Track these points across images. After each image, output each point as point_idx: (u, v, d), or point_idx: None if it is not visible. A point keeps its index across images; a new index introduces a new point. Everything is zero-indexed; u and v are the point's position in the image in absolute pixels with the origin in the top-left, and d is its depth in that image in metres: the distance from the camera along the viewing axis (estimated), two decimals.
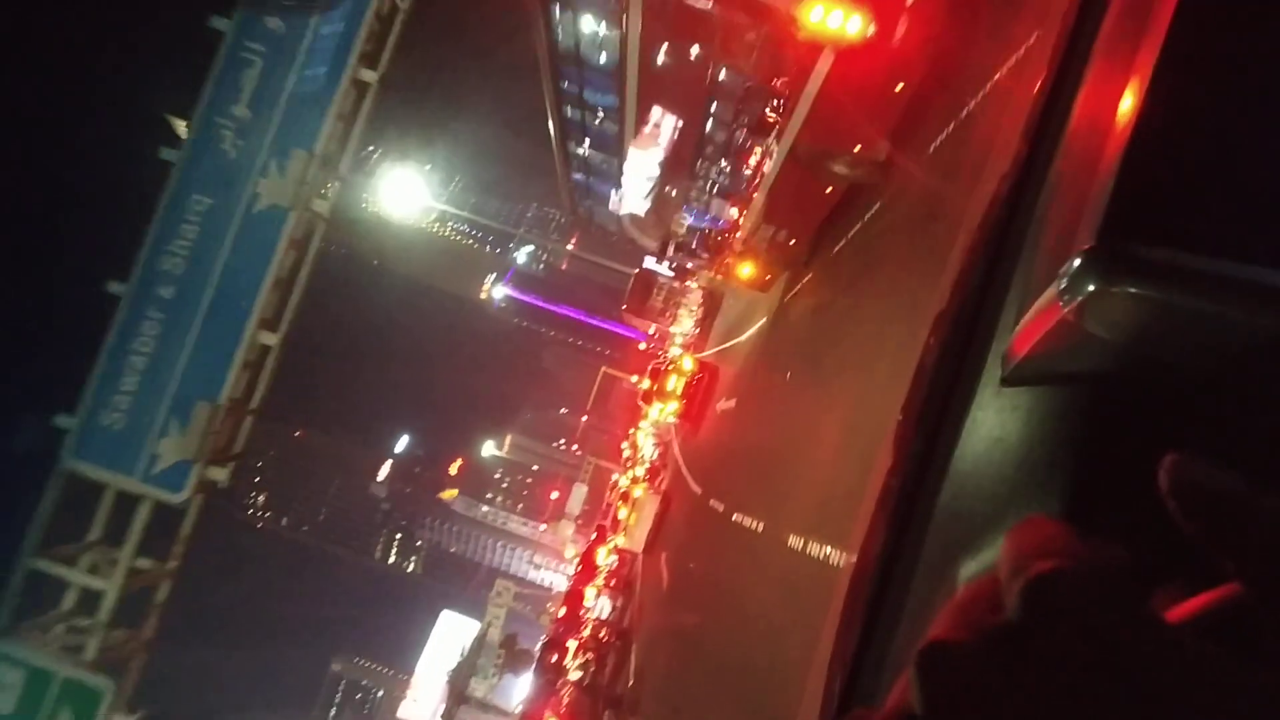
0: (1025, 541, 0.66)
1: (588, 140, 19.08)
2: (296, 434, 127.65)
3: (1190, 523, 0.66)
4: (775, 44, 11.05)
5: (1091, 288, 0.99)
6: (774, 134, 12.58)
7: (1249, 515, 0.65)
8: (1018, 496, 1.28)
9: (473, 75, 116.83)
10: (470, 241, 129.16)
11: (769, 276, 18.66)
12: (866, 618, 1.62)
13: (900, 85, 10.17)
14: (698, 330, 41.29)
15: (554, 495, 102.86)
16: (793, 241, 15.78)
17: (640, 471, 42.56)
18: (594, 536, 48.21)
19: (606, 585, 38.55)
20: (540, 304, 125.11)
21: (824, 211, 14.19)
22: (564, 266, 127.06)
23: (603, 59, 14.07)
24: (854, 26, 9.65)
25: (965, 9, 9.77)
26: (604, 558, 41.54)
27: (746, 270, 18.55)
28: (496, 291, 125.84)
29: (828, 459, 10.68)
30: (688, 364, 29.69)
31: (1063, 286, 1.03)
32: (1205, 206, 1.02)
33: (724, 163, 16.98)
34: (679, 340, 46.36)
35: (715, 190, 18.64)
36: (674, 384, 28.57)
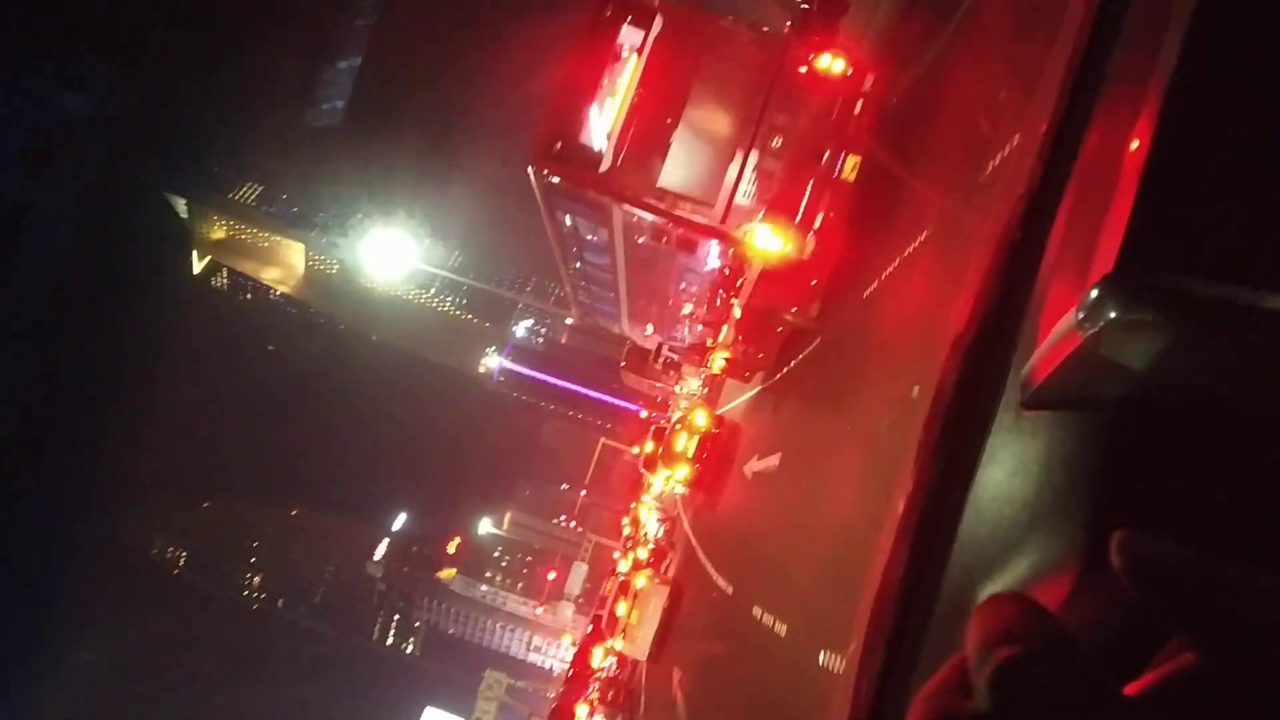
0: (989, 625, 0.66)
1: (586, 266, 22.24)
2: (293, 513, 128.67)
3: (1144, 598, 0.67)
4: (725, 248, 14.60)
5: (1111, 315, 1.00)
6: (732, 294, 15.67)
7: (1202, 590, 0.66)
8: (1039, 522, 1.29)
9: (472, 142, 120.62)
10: (468, 315, 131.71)
11: (746, 374, 21.45)
12: (888, 648, 1.66)
13: (814, 280, 13.43)
14: (706, 389, 36.90)
15: (551, 576, 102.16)
16: (760, 355, 18.93)
17: (643, 554, 37.25)
18: (589, 629, 44.38)
19: (602, 700, 33.38)
20: (539, 377, 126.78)
21: (779, 340, 17.32)
22: (563, 340, 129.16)
23: (596, 239, 17.06)
24: (776, 245, 12.93)
25: (857, 227, 13.05)
26: (600, 659, 37.07)
27: (722, 363, 21.20)
28: (495, 365, 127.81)
29: (827, 552, 10.28)
30: (701, 419, 24.73)
31: (1082, 314, 1.05)
32: (1222, 233, 1.04)
33: (696, 309, 20.59)
34: (686, 399, 41.03)
35: (692, 318, 22.19)
36: (683, 444, 24.06)
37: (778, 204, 12.93)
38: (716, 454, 23.55)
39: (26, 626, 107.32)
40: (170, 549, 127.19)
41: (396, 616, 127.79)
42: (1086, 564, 1.18)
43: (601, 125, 13.27)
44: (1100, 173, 1.34)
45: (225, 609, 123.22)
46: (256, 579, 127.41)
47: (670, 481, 27.07)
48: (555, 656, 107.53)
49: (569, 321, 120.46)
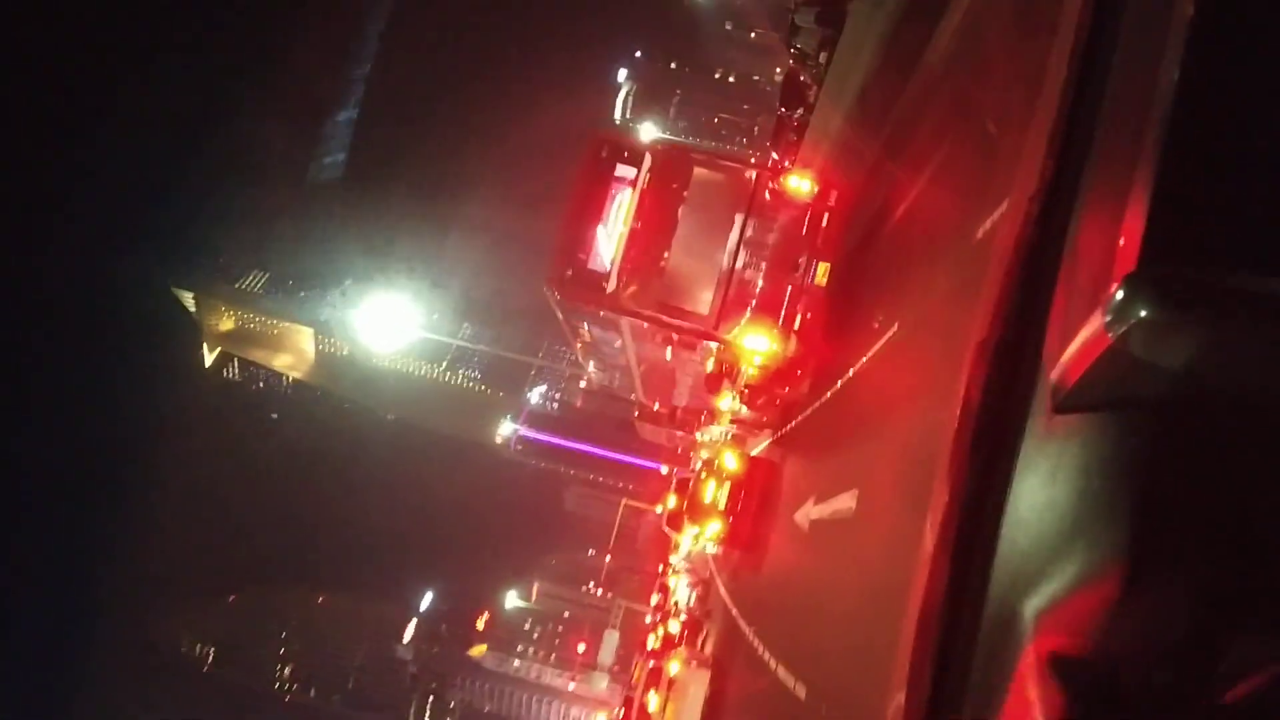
0: None
1: (603, 358, 25.71)
2: (319, 599, 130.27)
3: None
4: None
5: (1141, 314, 1.00)
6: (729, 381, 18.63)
7: None
8: (1081, 529, 1.28)
9: (476, 193, 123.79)
10: (481, 386, 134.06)
11: (755, 431, 24.38)
12: (936, 670, 1.65)
13: (799, 371, 15.71)
14: (735, 428, 31.45)
15: (580, 649, 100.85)
16: (764, 419, 22.35)
17: (675, 627, 32.86)
18: (620, 715, 39.09)
19: None
20: (556, 442, 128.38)
21: (781, 406, 20.16)
22: (578, 404, 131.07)
23: (609, 338, 20.28)
24: (762, 346, 15.90)
25: (833, 325, 15.62)
26: None
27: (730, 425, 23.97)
28: (511, 434, 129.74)
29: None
30: (731, 462, 22.05)
31: (1110, 315, 1.05)
32: (1245, 222, 1.03)
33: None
34: (709, 446, 35.37)
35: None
36: (712, 494, 21.63)
37: (761, 309, 15.44)
38: (754, 502, 20.78)
39: None
40: (198, 645, 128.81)
41: (431, 698, 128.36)
42: (1134, 570, 1.17)
43: (605, 250, 15.80)
44: (1113, 167, 1.33)
45: (258, 702, 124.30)
46: (287, 669, 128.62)
47: (700, 540, 24.10)
48: None
49: (583, 384, 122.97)
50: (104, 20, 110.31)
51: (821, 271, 15.13)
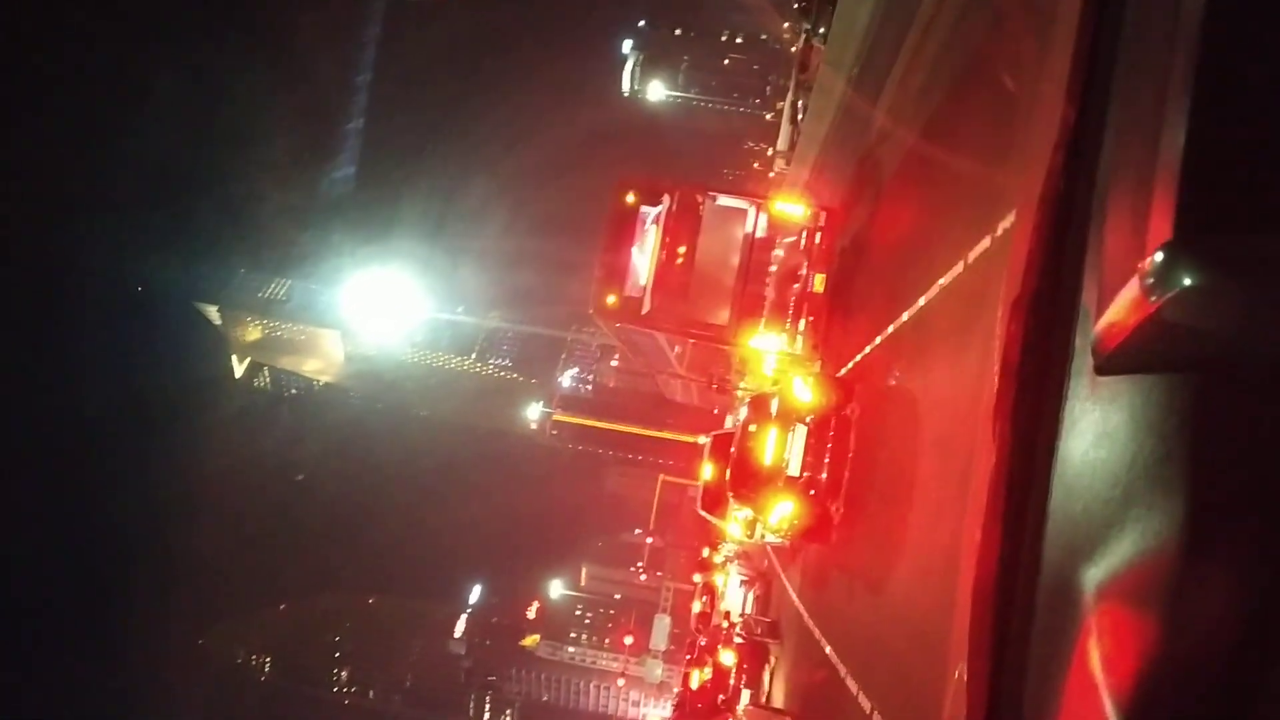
0: None
1: (645, 355, 29.26)
2: (370, 601, 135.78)
3: None
4: None
5: (1185, 283, 0.98)
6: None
7: None
8: (1135, 495, 1.26)
9: (491, 185, 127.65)
10: (513, 375, 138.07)
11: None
12: (994, 645, 1.66)
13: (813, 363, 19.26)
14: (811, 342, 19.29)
15: (628, 640, 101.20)
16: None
17: (729, 659, 23.25)
18: None
19: None
20: (592, 424, 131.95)
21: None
22: (611, 384, 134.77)
23: (650, 343, 24.27)
24: (774, 346, 18.96)
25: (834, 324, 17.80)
26: None
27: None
28: (546, 419, 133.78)
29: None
30: (804, 391, 14.18)
31: (1150, 280, 1.03)
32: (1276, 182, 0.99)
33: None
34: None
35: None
36: (773, 450, 14.32)
37: (772, 314, 19.37)
38: (849, 456, 13.37)
39: None
40: (254, 657, 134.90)
41: (489, 692, 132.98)
42: (1192, 538, 1.18)
43: (639, 277, 19.80)
44: (1138, 116, 1.33)
45: (319, 708, 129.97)
46: (344, 673, 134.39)
47: (760, 529, 15.74)
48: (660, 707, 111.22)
49: (614, 364, 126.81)
50: (114, 43, 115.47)
51: (819, 281, 18.97)
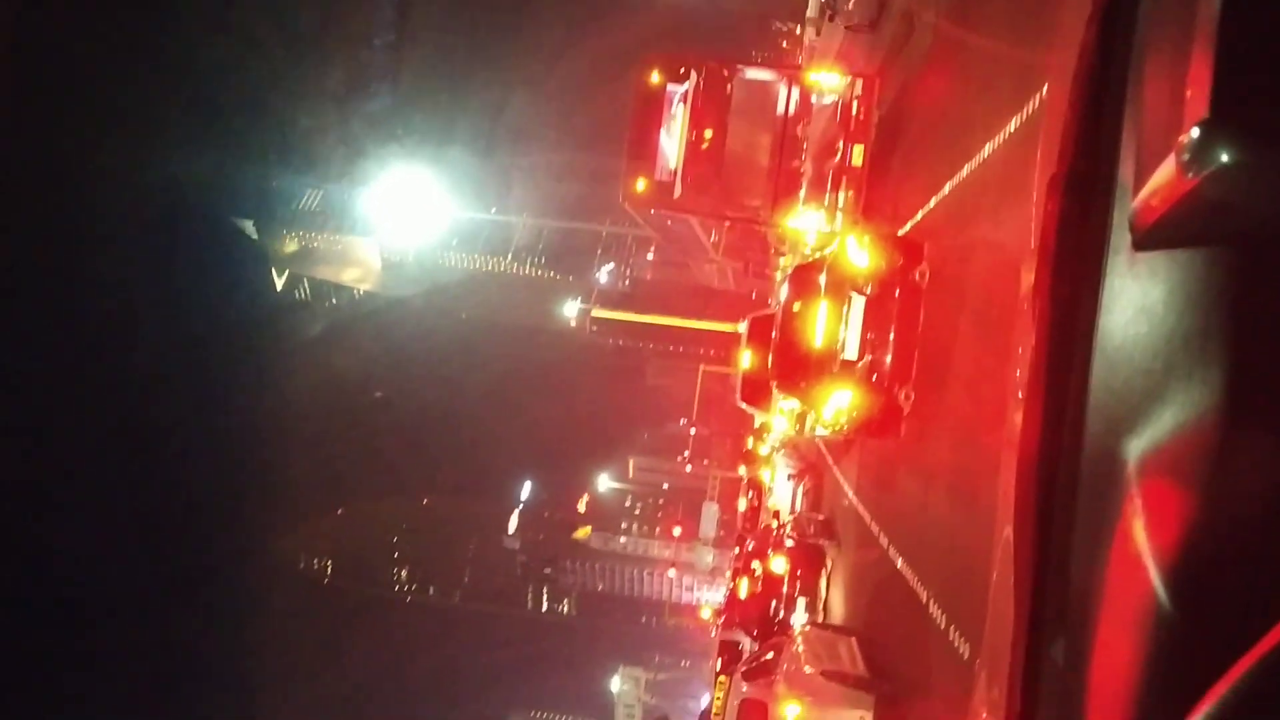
0: None
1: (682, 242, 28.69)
2: (424, 502, 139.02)
3: None
4: None
5: (1223, 160, 0.99)
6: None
7: None
8: (1175, 368, 1.27)
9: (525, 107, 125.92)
10: (549, 273, 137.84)
11: None
12: (1039, 509, 1.67)
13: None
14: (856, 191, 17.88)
15: (676, 531, 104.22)
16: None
17: (780, 566, 20.76)
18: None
19: None
20: (632, 319, 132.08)
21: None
22: (648, 276, 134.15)
23: (684, 229, 23.93)
24: (812, 224, 18.59)
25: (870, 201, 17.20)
26: None
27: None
28: (585, 316, 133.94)
29: None
30: (860, 255, 12.08)
31: (1187, 157, 1.03)
32: None
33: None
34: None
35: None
36: (826, 325, 12.47)
37: (810, 192, 18.70)
38: (917, 333, 11.59)
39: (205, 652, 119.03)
40: (315, 560, 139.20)
41: (546, 585, 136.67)
42: (1236, 411, 1.19)
43: (668, 160, 19.18)
44: None
45: (383, 608, 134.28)
46: (404, 573, 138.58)
47: (811, 422, 14.69)
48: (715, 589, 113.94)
49: (649, 257, 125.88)
50: None
51: (858, 153, 18.22)
